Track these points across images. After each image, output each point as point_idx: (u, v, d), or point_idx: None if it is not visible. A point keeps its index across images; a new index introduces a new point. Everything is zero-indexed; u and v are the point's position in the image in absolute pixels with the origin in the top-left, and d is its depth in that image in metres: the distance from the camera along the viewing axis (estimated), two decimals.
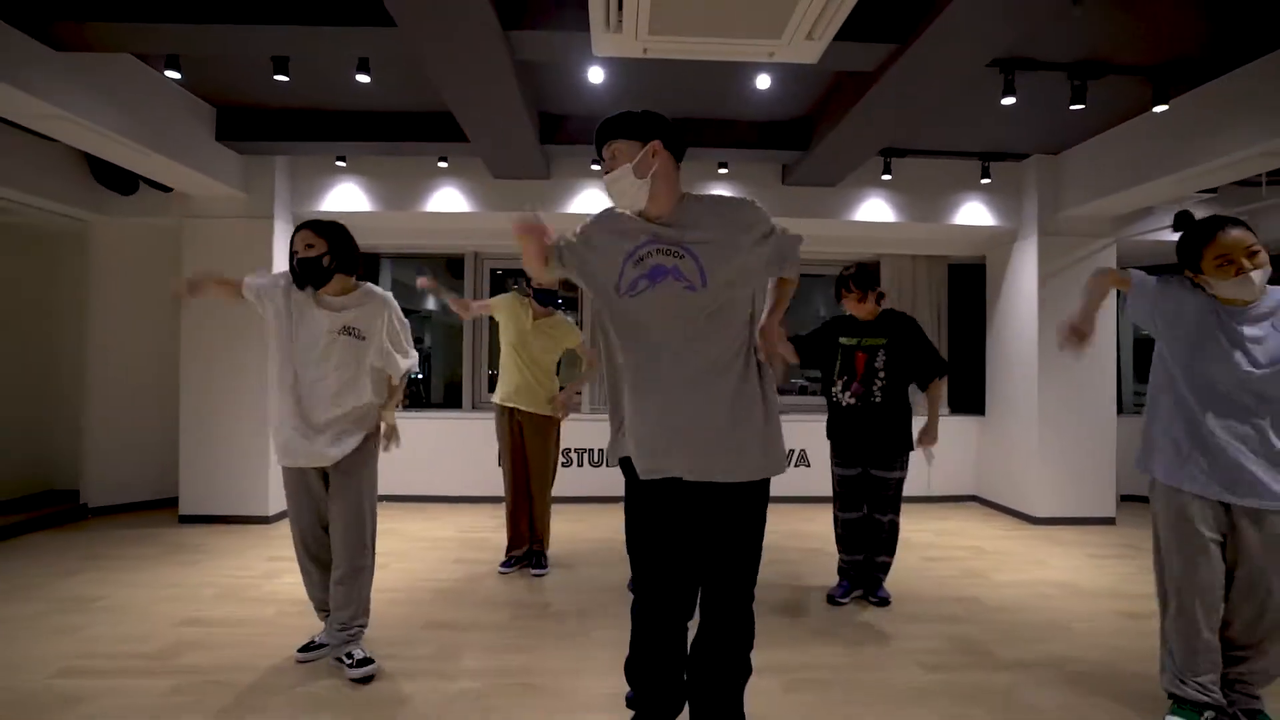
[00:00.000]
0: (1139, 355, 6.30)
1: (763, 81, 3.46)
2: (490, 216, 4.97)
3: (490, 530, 4.33)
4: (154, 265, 4.95)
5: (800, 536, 4.32)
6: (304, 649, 2.49)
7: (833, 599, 3.11)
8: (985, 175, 4.81)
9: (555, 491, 3.62)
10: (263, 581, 3.36)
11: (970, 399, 5.59)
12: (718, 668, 1.73)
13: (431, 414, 5.55)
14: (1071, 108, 3.43)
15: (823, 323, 3.25)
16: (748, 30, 2.59)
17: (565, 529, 4.32)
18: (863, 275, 3.03)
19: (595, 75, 3.37)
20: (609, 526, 4.47)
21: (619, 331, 1.73)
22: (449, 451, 5.28)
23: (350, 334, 2.35)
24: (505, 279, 5.97)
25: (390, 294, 2.49)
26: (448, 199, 4.84)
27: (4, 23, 2.82)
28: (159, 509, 4.85)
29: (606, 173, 1.71)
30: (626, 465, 1.75)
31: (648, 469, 1.67)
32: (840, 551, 3.18)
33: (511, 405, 3.45)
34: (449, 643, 2.64)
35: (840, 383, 3.06)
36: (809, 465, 5.42)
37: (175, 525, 4.49)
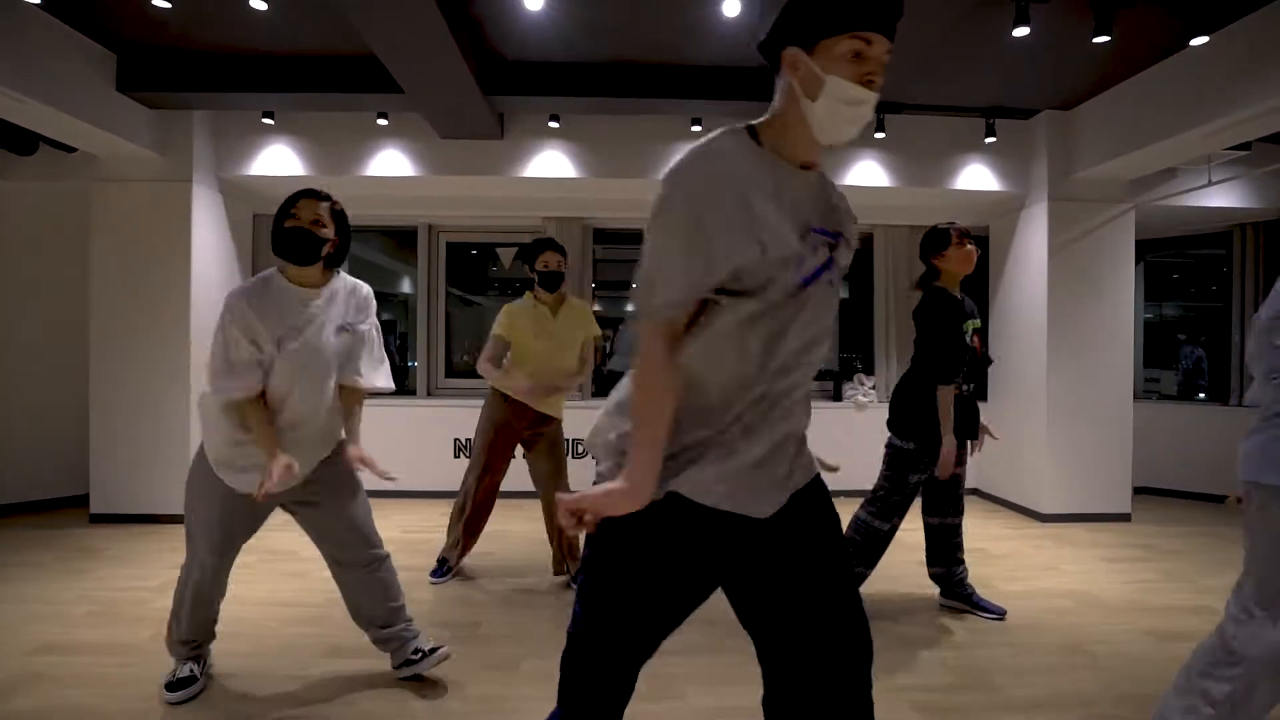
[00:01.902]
0: (1149, 340, 5.84)
1: (731, 7, 2.93)
2: (441, 182, 4.47)
3: (437, 530, 3.86)
4: (61, 234, 4.43)
5: None
6: (174, 686, 2.02)
7: None
8: (990, 134, 4.31)
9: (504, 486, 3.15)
10: (153, 596, 2.89)
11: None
12: None
13: (381, 402, 5.07)
14: (1095, 40, 2.93)
15: (941, 309, 2.51)
16: None
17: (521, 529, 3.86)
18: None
19: (533, 2, 2.85)
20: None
21: (772, 335, 1.03)
22: (400, 442, 4.80)
23: (348, 331, 2.02)
24: (467, 251, 5.48)
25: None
26: (390, 162, 4.33)
27: None
28: (74, 507, 4.38)
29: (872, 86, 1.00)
30: (674, 502, 1.06)
31: (770, 504, 1.07)
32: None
33: (539, 409, 2.97)
34: (350, 677, 2.18)
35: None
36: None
37: (85, 525, 4.02)
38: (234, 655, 2.30)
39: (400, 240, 5.60)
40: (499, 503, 3.19)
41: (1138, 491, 4.99)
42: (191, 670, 2.06)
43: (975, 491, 5.08)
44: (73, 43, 3.47)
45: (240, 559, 2.13)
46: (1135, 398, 4.51)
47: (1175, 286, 5.95)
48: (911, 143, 4.44)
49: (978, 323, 2.62)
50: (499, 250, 5.53)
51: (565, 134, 4.32)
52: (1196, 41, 2.94)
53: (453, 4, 2.96)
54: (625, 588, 1.10)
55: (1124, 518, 4.37)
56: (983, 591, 2.81)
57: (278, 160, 4.32)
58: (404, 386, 5.35)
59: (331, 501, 2.05)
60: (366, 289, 2.12)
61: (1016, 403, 4.67)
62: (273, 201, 4.65)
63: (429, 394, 5.14)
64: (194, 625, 2.05)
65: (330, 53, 3.69)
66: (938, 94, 4.10)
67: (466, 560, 3.24)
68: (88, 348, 4.13)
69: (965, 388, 2.58)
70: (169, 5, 2.81)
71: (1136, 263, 5.36)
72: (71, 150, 4.12)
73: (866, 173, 4.48)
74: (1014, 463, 4.67)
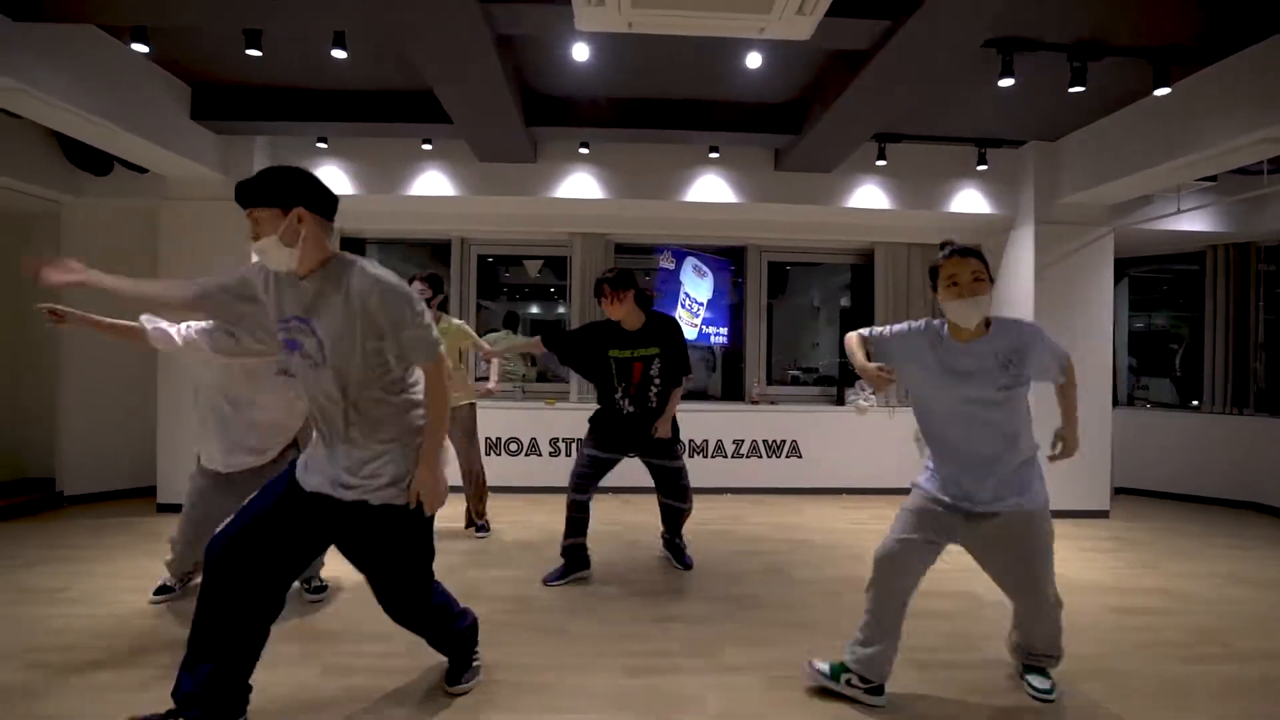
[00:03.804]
0: (1135, 349, 6.25)
1: (753, 60, 3.35)
2: (476, 201, 4.86)
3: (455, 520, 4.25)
4: (131, 248, 4.80)
5: (789, 529, 4.27)
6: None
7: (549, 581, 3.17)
8: (981, 162, 4.72)
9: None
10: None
11: None
12: None
13: None
14: (1071, 90, 3.33)
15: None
16: (736, 4, 2.48)
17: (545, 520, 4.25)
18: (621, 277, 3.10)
19: (580, 52, 3.25)
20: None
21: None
22: None
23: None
24: (495, 267, 5.88)
25: None
26: (432, 182, 4.72)
27: None
28: (138, 497, 4.76)
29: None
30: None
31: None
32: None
33: None
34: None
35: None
36: (800, 456, 5.35)
37: (153, 514, 4.40)
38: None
39: (434, 252, 5.98)
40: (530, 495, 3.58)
41: (1118, 492, 5.39)
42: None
43: None
44: (157, 77, 3.87)
45: None
46: (1119, 404, 4.90)
47: (1164, 298, 6.35)
48: (910, 169, 4.85)
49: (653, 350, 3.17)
50: (525, 262, 5.92)
51: (593, 159, 4.71)
52: (1160, 92, 3.34)
53: (507, 52, 3.35)
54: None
55: (1103, 514, 4.76)
56: (969, 576, 3.19)
57: (329, 180, 4.61)
58: None
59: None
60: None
61: None
62: None
63: None
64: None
65: (382, 89, 4.09)
66: (935, 125, 4.51)
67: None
68: (156, 352, 4.50)
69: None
70: (259, 54, 3.19)
71: (1120, 278, 5.76)
72: (143, 171, 4.50)
73: (868, 196, 4.89)
74: None
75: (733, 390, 6.10)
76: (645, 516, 4.51)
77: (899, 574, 2.10)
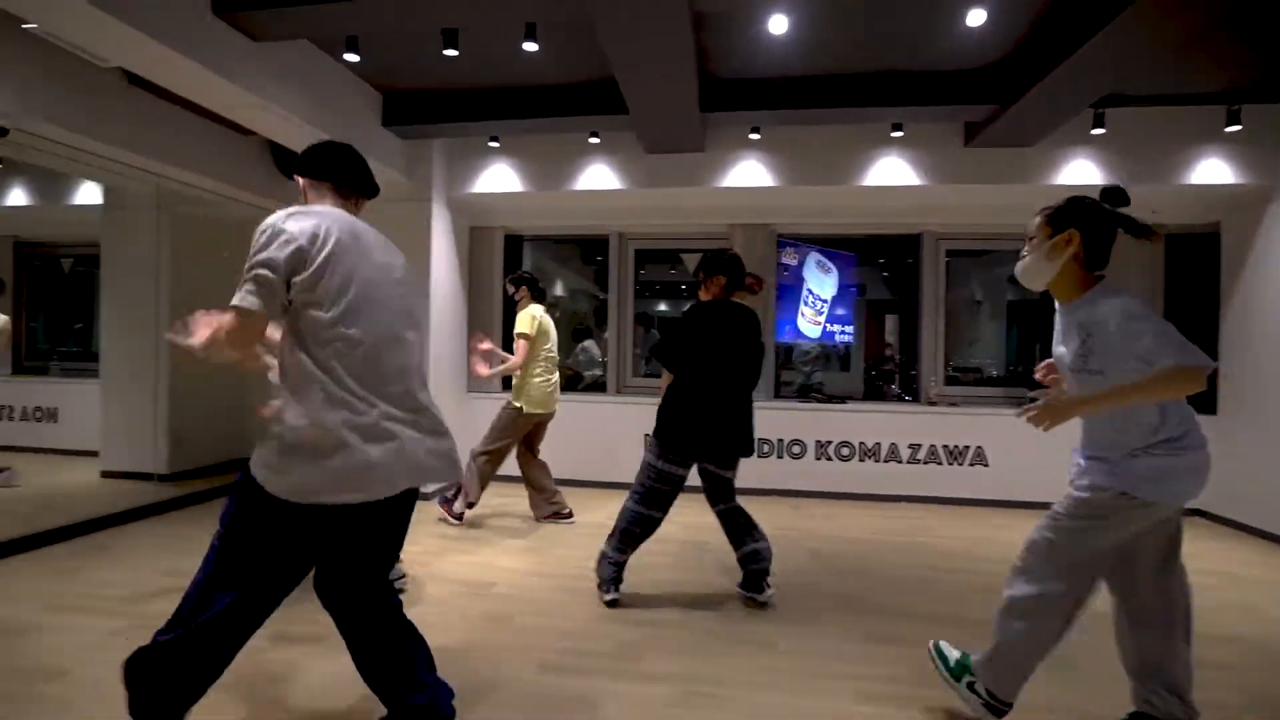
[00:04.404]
0: None
1: (975, 17, 2.96)
2: (638, 194, 4.79)
3: None
4: None
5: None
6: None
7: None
8: (1232, 122, 3.97)
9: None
10: (432, 560, 3.38)
11: (1196, 396, 4.70)
12: None
13: (577, 399, 5.47)
14: None
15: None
16: None
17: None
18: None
19: (778, 25, 3.03)
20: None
21: None
22: (593, 437, 5.16)
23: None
24: (644, 261, 5.80)
25: None
26: (598, 176, 4.71)
27: (217, 18, 2.95)
28: None
29: None
30: None
31: None
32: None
33: None
34: (627, 641, 2.47)
35: None
36: (986, 464, 4.82)
37: None
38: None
39: (584, 248, 6.03)
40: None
41: None
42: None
43: (1198, 512, 4.65)
44: (355, 87, 4.11)
45: None
46: None
47: None
48: (1134, 137, 4.19)
49: None
50: (683, 256, 5.81)
51: (763, 144, 4.48)
52: None
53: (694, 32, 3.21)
54: None
55: None
56: (1245, 617, 2.65)
57: (499, 178, 4.83)
58: (597, 384, 5.77)
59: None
60: None
61: (1257, 418, 4.25)
62: (486, 214, 5.23)
63: (618, 392, 5.50)
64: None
65: (554, 83, 4.10)
66: (1174, 82, 3.84)
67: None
68: None
69: None
70: (455, 53, 3.27)
71: None
72: None
73: (1079, 171, 4.29)
74: (1253, 483, 4.24)
75: (874, 390, 5.74)
76: (819, 523, 4.23)
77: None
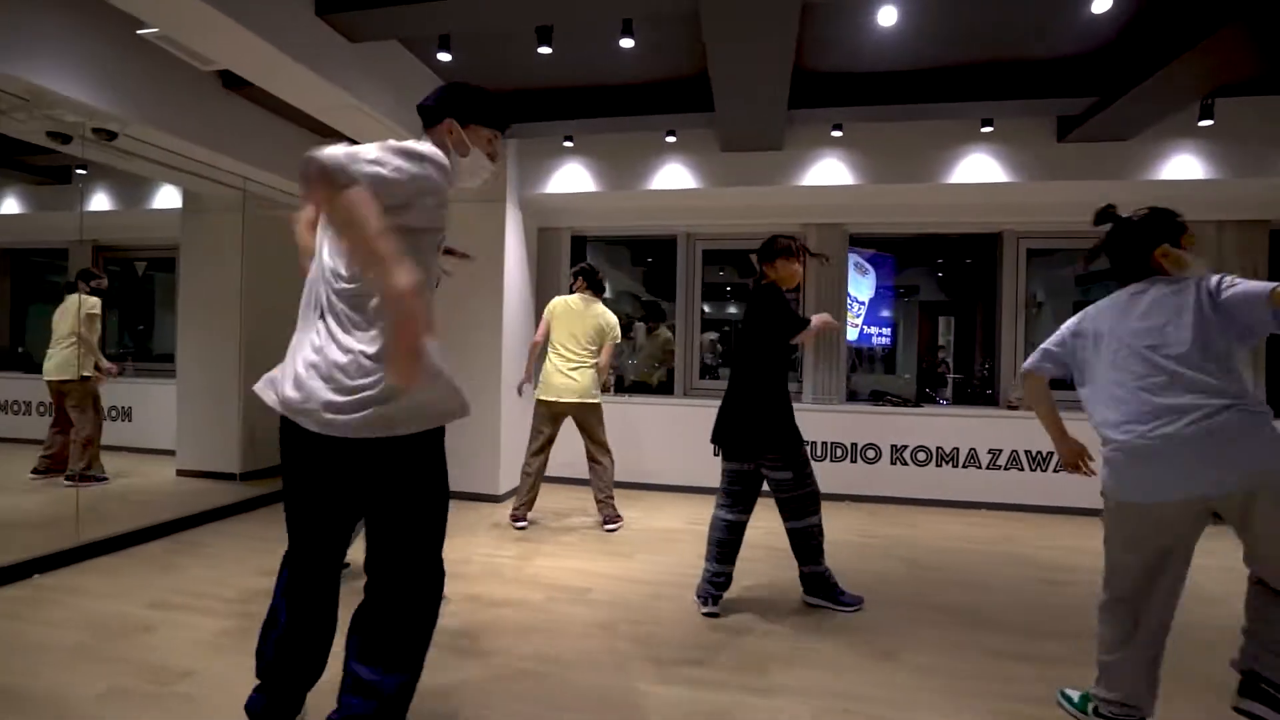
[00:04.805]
0: None
1: (1101, 4, 2.82)
2: (711, 194, 4.71)
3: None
4: None
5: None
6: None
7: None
8: None
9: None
10: (520, 563, 3.34)
11: None
12: None
13: (641, 401, 5.41)
14: None
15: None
16: None
17: None
18: None
19: (887, 17, 2.93)
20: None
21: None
22: (659, 440, 5.09)
23: None
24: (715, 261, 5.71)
25: None
26: (672, 175, 4.64)
27: (318, 18, 2.95)
28: None
29: None
30: None
31: None
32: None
33: None
34: (744, 651, 2.39)
35: None
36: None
37: None
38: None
39: (647, 249, 5.96)
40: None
41: None
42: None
43: None
44: (433, 83, 4.11)
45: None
46: None
47: None
48: (1243, 129, 3.99)
49: None
50: (751, 256, 5.70)
51: (844, 142, 4.38)
52: None
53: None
54: None
55: None
56: None
57: (572, 178, 4.79)
58: (663, 387, 5.70)
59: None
60: None
61: None
62: (556, 215, 5.20)
63: (685, 394, 5.43)
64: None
65: (635, 83, 4.05)
66: None
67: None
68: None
69: None
70: (549, 51, 3.23)
71: None
72: None
73: (1182, 166, 4.10)
74: None
75: (923, 395, 5.56)
76: (903, 530, 4.10)
77: None
